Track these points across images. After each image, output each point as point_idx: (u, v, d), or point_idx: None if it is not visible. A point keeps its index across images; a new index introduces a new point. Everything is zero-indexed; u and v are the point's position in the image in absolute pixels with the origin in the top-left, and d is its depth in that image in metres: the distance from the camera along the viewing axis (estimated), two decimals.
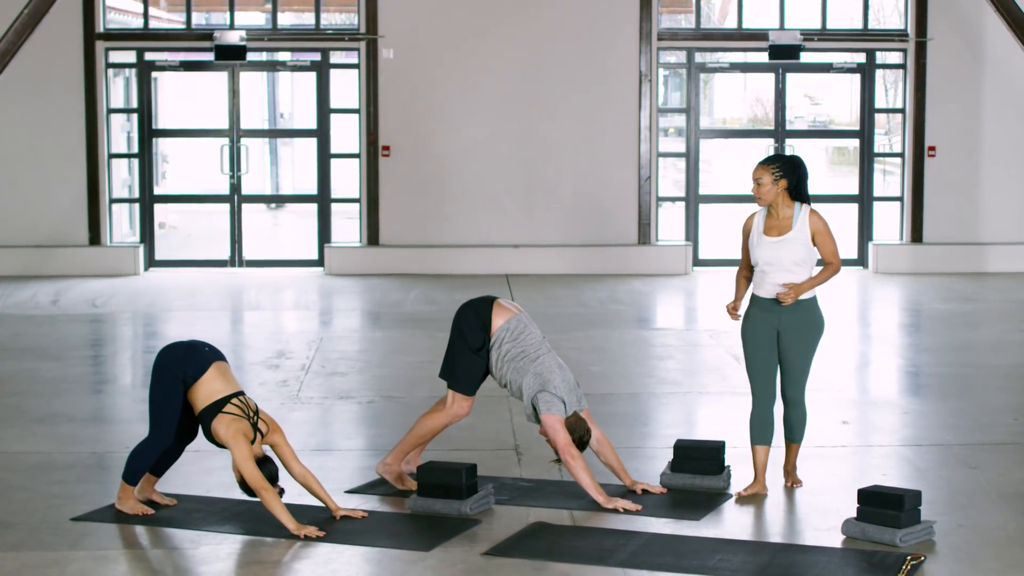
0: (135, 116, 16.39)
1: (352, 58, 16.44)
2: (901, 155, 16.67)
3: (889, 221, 16.82)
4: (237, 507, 6.55)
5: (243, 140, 16.47)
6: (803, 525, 6.32)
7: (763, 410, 6.93)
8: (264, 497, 6.11)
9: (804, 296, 6.88)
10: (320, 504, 6.43)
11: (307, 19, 16.81)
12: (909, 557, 5.75)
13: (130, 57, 16.29)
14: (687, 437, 7.87)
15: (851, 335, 12.25)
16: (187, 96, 21.37)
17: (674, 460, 7.02)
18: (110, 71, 16.22)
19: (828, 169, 25.25)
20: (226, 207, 16.57)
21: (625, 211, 16.26)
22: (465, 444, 7.84)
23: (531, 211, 16.30)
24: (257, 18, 17.45)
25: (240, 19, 16.55)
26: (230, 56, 15.95)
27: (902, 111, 16.64)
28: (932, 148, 16.38)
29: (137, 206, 16.44)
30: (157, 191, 16.79)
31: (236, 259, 16.42)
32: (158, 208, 16.90)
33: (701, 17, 16.52)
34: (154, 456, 6.45)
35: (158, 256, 16.50)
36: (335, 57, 16.52)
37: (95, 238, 16.10)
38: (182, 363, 6.38)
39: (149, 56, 16.30)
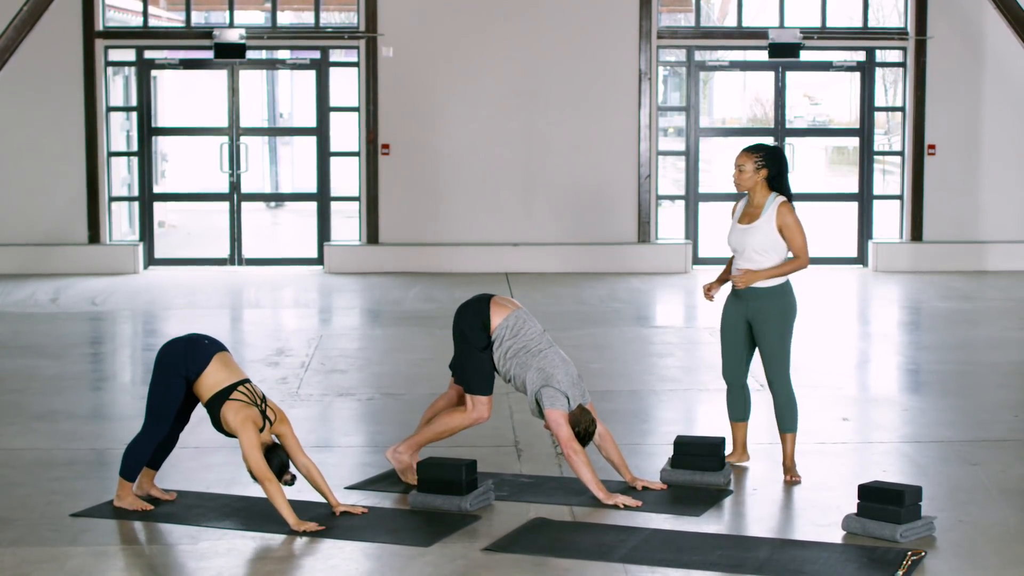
0: (134, 114, 16.37)
1: (352, 56, 16.43)
2: (901, 153, 16.66)
3: (889, 219, 16.82)
4: (236, 503, 6.54)
5: (243, 138, 16.46)
6: (803, 521, 6.31)
7: (731, 391, 7.31)
8: (267, 488, 6.10)
9: (770, 283, 7.11)
10: (320, 500, 6.43)
11: (306, 18, 16.80)
12: (910, 553, 5.74)
13: (130, 55, 16.28)
14: (687, 433, 7.86)
15: (851, 333, 12.25)
16: (187, 94, 21.37)
17: (674, 456, 7.01)
18: (109, 69, 16.21)
19: (828, 169, 25.27)
20: (225, 205, 16.56)
21: (625, 209, 16.26)
22: (465, 440, 7.82)
23: (531, 209, 16.29)
24: (256, 17, 17.44)
25: (239, 18, 16.54)
26: (229, 54, 15.94)
27: (902, 109, 16.63)
28: (932, 146, 16.37)
29: (136, 204, 16.43)
30: (156, 189, 16.78)
31: (235, 257, 16.41)
32: (157, 206, 16.90)
33: (701, 15, 16.52)
34: (150, 449, 6.44)
35: (157, 254, 16.49)
36: (335, 55, 16.51)
37: (94, 236, 16.09)
38: (183, 359, 6.38)
39: (149, 54, 16.29)
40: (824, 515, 6.36)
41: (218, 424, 6.32)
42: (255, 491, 6.63)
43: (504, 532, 6.10)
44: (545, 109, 16.19)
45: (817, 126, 22.51)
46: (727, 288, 7.39)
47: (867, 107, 16.65)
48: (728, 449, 7.41)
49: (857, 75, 16.76)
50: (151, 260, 16.32)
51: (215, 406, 6.29)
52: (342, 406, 8.95)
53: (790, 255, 7.22)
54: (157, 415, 6.41)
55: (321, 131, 16.47)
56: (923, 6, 16.20)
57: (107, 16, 16.18)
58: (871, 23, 16.65)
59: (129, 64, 16.34)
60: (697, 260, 16.49)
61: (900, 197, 16.67)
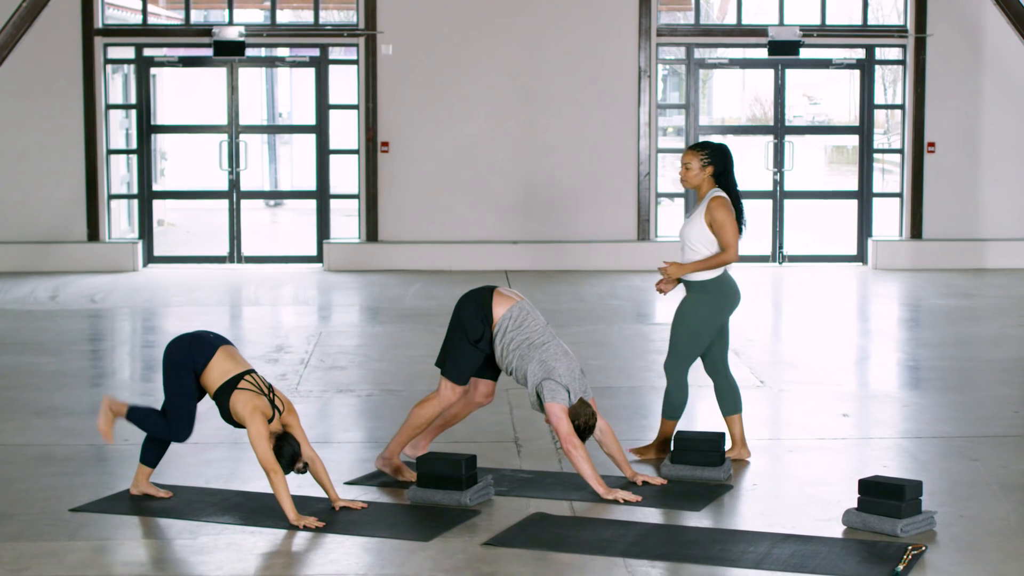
0: (134, 112, 16.36)
1: (351, 54, 16.42)
2: (901, 151, 16.65)
3: (889, 217, 16.81)
4: (236, 498, 6.54)
5: (242, 136, 16.45)
6: (803, 516, 6.29)
7: (715, 387, 7.46)
8: (272, 479, 6.09)
9: (705, 277, 7.25)
10: (320, 495, 6.42)
11: (305, 16, 16.79)
12: (910, 547, 5.73)
13: (129, 53, 16.27)
14: (687, 429, 7.85)
15: (851, 330, 12.25)
16: (186, 92, 21.37)
17: (674, 451, 7.01)
18: (109, 67, 16.20)
19: (827, 168, 25.27)
20: (225, 203, 16.55)
21: (624, 207, 16.25)
22: (465, 436, 7.83)
23: (530, 207, 16.28)
24: (256, 15, 17.44)
25: (239, 16, 16.53)
26: (229, 52, 15.93)
27: (901, 107, 16.62)
28: (932, 144, 16.36)
29: (136, 202, 16.41)
30: (156, 187, 16.77)
31: (235, 255, 16.40)
32: (157, 204, 16.89)
33: (700, 13, 16.50)
34: (166, 437, 6.44)
35: (157, 252, 16.48)
36: (334, 53, 16.50)
37: (94, 234, 16.08)
38: (189, 352, 6.38)
39: (148, 52, 16.28)
40: (824, 510, 6.35)
41: (227, 415, 6.31)
42: (254, 486, 6.64)
43: (504, 527, 6.09)
44: (545, 106, 16.18)
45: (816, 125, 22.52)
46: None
47: (867, 105, 16.64)
48: (727, 444, 7.40)
49: (856, 73, 16.75)
50: (150, 258, 16.31)
51: (223, 396, 6.28)
52: (342, 402, 8.94)
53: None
54: (179, 413, 6.41)
55: (320, 129, 16.46)
56: (923, 4, 16.19)
57: (106, 14, 16.17)
58: (871, 21, 16.63)
59: (128, 62, 16.33)
60: None
61: (900, 195, 16.67)
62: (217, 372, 6.33)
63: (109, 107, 16.19)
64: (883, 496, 6.01)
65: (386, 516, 6.29)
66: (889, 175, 17.59)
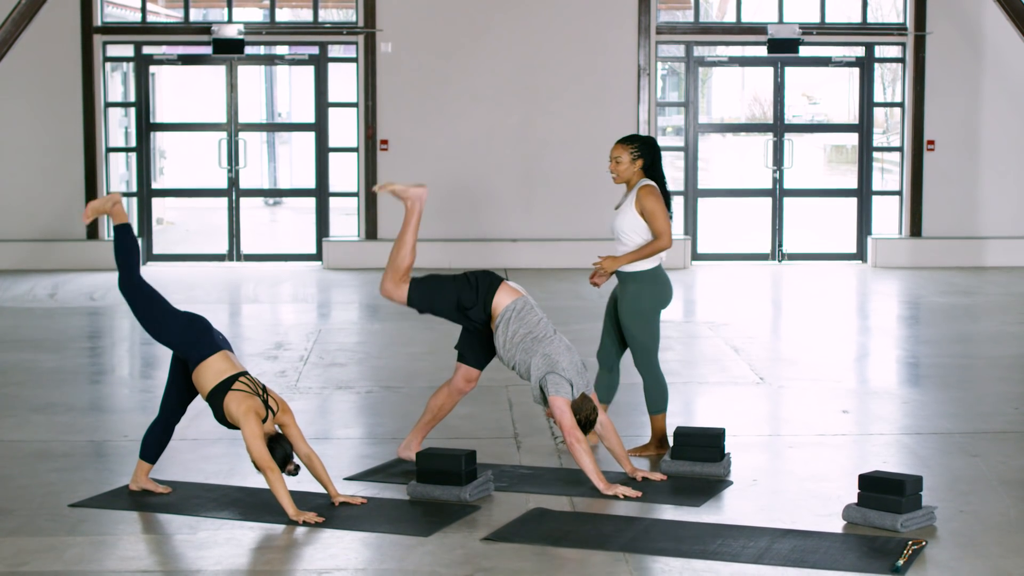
0: (133, 110, 16.36)
1: (350, 52, 16.41)
2: (900, 149, 16.64)
3: (888, 215, 16.80)
4: (235, 493, 6.53)
5: (241, 134, 16.45)
6: (803, 511, 6.28)
7: (600, 373, 7.52)
8: (269, 478, 6.08)
9: (639, 268, 7.32)
10: (319, 491, 6.41)
11: (304, 15, 16.78)
12: (910, 542, 5.72)
13: (128, 51, 16.26)
14: (686, 425, 7.84)
15: (850, 327, 12.24)
16: (185, 90, 21.36)
17: (674, 447, 6.99)
18: (108, 65, 16.20)
19: (826, 167, 25.26)
20: (224, 201, 16.54)
21: None
22: (465, 432, 7.82)
23: (529, 205, 16.28)
24: (255, 14, 17.44)
25: (238, 15, 16.52)
26: (228, 50, 15.92)
27: (901, 105, 16.61)
28: (931, 142, 16.36)
29: (135, 200, 16.40)
30: (155, 185, 16.77)
31: (234, 253, 16.40)
32: (156, 202, 16.88)
33: (700, 11, 16.50)
34: (127, 259, 6.62)
35: (156, 250, 16.47)
36: (333, 51, 16.50)
37: (93, 232, 16.08)
38: (200, 334, 6.42)
39: (147, 50, 16.28)
40: (824, 505, 6.35)
41: (220, 416, 6.31)
42: (254, 482, 6.62)
43: (504, 522, 6.08)
44: (544, 104, 16.17)
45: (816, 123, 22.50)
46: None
47: (866, 103, 16.63)
48: (731, 450, 7.35)
49: (856, 72, 16.75)
50: (149, 256, 16.30)
51: (217, 398, 6.27)
52: (341, 399, 8.94)
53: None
54: (152, 306, 6.53)
55: (320, 127, 16.45)
56: (922, 2, 16.19)
57: (105, 12, 16.16)
58: (870, 19, 16.63)
59: (127, 60, 16.32)
60: (696, 256, 16.47)
61: (899, 193, 16.66)
62: (213, 372, 6.32)
63: (108, 105, 16.18)
64: (883, 491, 6.00)
65: (385, 511, 6.28)
66: (888, 174, 17.59)
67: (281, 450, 6.17)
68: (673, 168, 17.75)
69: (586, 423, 6.59)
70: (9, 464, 7.15)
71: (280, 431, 6.31)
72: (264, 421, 6.21)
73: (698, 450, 6.91)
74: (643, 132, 16.10)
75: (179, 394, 6.57)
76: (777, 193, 16.62)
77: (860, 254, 16.65)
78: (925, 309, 13.09)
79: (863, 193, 16.69)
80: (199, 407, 7.28)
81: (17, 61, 15.09)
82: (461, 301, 6.79)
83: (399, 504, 6.41)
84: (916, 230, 16.47)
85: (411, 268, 6.88)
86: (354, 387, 9.25)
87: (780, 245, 16.62)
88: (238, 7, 16.56)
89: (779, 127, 16.67)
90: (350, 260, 16.03)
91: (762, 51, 16.39)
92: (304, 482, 6.49)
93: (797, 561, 5.55)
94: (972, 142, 16.38)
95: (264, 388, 6.34)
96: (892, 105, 17.23)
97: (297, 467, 6.24)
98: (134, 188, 16.39)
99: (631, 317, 7.28)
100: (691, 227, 16.57)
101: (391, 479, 6.82)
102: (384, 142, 16.12)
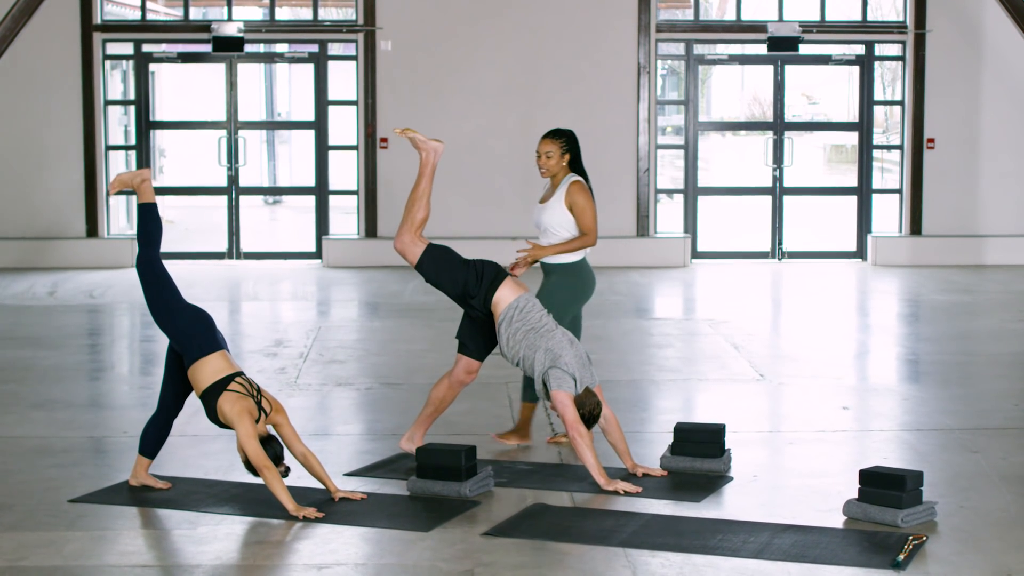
0: (132, 108, 16.35)
1: (350, 50, 16.41)
2: (900, 147, 16.63)
3: (888, 213, 16.80)
4: (235, 489, 6.52)
5: (241, 132, 16.44)
6: (804, 506, 6.27)
7: None
8: (266, 476, 6.08)
9: (563, 260, 7.44)
10: (319, 487, 6.41)
11: (304, 13, 16.77)
12: (911, 537, 5.72)
13: (127, 49, 16.25)
14: (686, 421, 7.84)
15: (850, 325, 12.23)
16: (185, 88, 21.35)
17: (674, 443, 6.99)
18: (107, 63, 16.19)
19: (826, 167, 25.27)
20: (224, 200, 16.53)
21: (624, 203, 16.23)
22: (465, 428, 7.82)
23: (529, 202, 16.21)
24: (254, 12, 17.43)
25: (237, 13, 16.51)
26: (228, 48, 15.91)
27: (901, 103, 16.60)
28: (931, 140, 16.35)
29: (135, 198, 16.34)
30: (155, 183, 16.71)
31: (234, 251, 16.39)
32: (156, 199, 16.83)
33: (700, 9, 16.49)
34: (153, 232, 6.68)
35: None
36: (333, 49, 16.49)
37: (92, 230, 16.07)
38: (203, 331, 6.40)
39: (147, 48, 16.27)
40: (825, 501, 6.34)
41: (213, 416, 6.30)
42: (253, 478, 6.60)
43: (504, 517, 6.07)
44: (544, 102, 16.16)
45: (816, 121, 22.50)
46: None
47: (866, 101, 16.62)
48: (731, 446, 7.36)
49: (855, 71, 16.74)
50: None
51: (211, 397, 6.27)
52: (341, 395, 8.93)
53: None
54: (161, 285, 6.63)
55: (319, 125, 16.44)
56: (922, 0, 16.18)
57: (105, 9, 16.15)
58: (870, 17, 16.62)
59: (127, 57, 16.31)
60: (696, 254, 16.47)
61: (899, 191, 16.65)
62: (210, 370, 6.31)
63: (108, 103, 16.17)
64: (884, 486, 5.99)
65: (385, 507, 6.27)
66: (888, 174, 17.58)
67: (271, 451, 6.17)
68: (672, 168, 17.76)
69: (590, 417, 6.59)
70: (9, 460, 7.14)
71: (273, 432, 6.31)
72: (257, 422, 6.21)
73: (698, 446, 6.90)
74: (643, 130, 16.11)
75: (175, 389, 6.57)
76: (777, 191, 16.61)
77: (860, 252, 16.63)
78: (925, 307, 13.08)
79: (863, 191, 16.68)
80: (198, 403, 7.26)
81: (17, 59, 15.10)
82: (467, 289, 6.81)
83: (399, 500, 6.40)
84: (916, 228, 16.46)
85: (426, 221, 6.97)
86: (354, 384, 9.24)
87: (780, 243, 16.61)
88: (238, 5, 16.55)
89: (779, 125, 16.65)
90: (350, 258, 16.02)
91: (762, 49, 16.38)
92: (304, 478, 6.49)
93: (798, 556, 5.55)
94: (972, 140, 16.37)
95: (258, 389, 6.33)
96: (892, 103, 17.22)
97: (288, 468, 6.23)
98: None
99: (548, 308, 7.26)
100: (691, 225, 16.56)
101: (391, 475, 6.81)
102: (384, 140, 16.10)
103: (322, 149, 16.44)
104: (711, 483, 6.68)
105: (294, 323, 12.12)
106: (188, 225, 20.28)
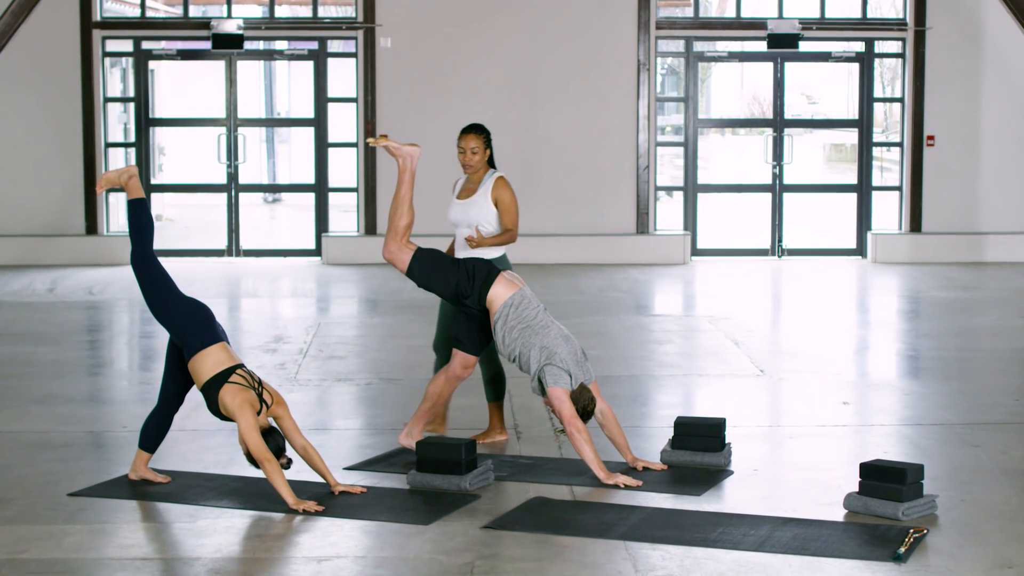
0: (132, 105, 16.34)
1: (349, 47, 16.39)
2: (900, 144, 16.62)
3: (888, 211, 16.79)
4: (234, 483, 6.51)
5: (240, 129, 16.42)
6: (804, 500, 6.27)
7: (437, 360, 7.49)
8: (266, 469, 6.07)
9: (483, 254, 7.37)
10: (319, 480, 6.40)
11: (303, 11, 16.76)
12: (912, 530, 5.71)
13: (127, 46, 16.23)
14: (686, 415, 7.82)
15: (850, 321, 12.23)
16: (184, 85, 21.34)
17: (675, 437, 6.98)
18: (107, 60, 16.17)
19: (825, 166, 25.24)
20: (223, 198, 16.52)
21: (623, 200, 16.22)
22: (465, 424, 7.81)
23: (529, 200, 16.22)
24: (254, 9, 17.42)
25: (237, 10, 16.50)
26: (227, 45, 15.90)
27: (901, 101, 16.59)
28: (931, 137, 16.34)
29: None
30: (154, 181, 16.74)
31: (233, 249, 16.38)
32: (155, 197, 16.87)
33: (699, 6, 16.48)
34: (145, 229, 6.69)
35: (155, 246, 16.37)
36: (332, 46, 16.48)
37: (92, 227, 16.05)
38: (202, 324, 6.39)
39: (146, 45, 16.25)
40: (825, 494, 6.33)
41: (214, 408, 6.29)
42: (253, 471, 6.60)
43: (504, 511, 6.07)
44: (543, 100, 16.15)
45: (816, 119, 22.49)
46: None
47: (866, 98, 16.61)
48: (731, 441, 7.36)
49: (855, 69, 16.73)
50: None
51: (212, 389, 6.26)
52: (340, 391, 8.92)
53: None
54: (158, 279, 6.61)
55: (319, 122, 16.43)
56: None
57: (104, 7, 16.14)
58: (870, 14, 16.61)
59: (126, 55, 16.30)
60: (696, 252, 16.45)
61: (899, 188, 16.65)
62: (211, 362, 6.31)
63: (107, 100, 16.16)
64: (884, 480, 5.98)
65: (385, 500, 6.27)
66: (888, 173, 17.57)
67: (273, 444, 6.16)
68: (672, 166, 17.75)
69: (583, 413, 6.58)
70: (8, 454, 7.14)
71: (274, 424, 6.30)
72: (258, 414, 6.20)
73: (699, 440, 6.89)
74: (643, 127, 16.10)
75: (176, 383, 6.56)
76: (777, 189, 16.60)
77: (860, 250, 16.62)
78: (925, 303, 13.07)
79: (863, 189, 16.67)
80: (198, 398, 7.24)
81: (16, 56, 15.07)
82: (459, 289, 6.80)
83: (399, 493, 6.40)
84: (916, 226, 16.45)
85: (410, 227, 6.93)
86: (353, 379, 9.24)
87: (780, 241, 16.60)
88: (237, 3, 16.55)
89: (779, 122, 16.64)
90: (349, 256, 16.00)
91: (762, 46, 16.37)
92: (304, 471, 6.47)
93: (798, 549, 5.54)
94: (972, 137, 16.37)
95: (260, 381, 6.32)
96: (892, 100, 17.21)
97: (290, 460, 6.23)
98: None
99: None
100: (691, 223, 16.55)
101: (391, 469, 6.81)
102: (384, 137, 16.06)
103: (322, 146, 16.43)
104: (711, 477, 6.67)
105: (294, 319, 12.11)
106: (187, 222, 20.27)
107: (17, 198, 15.92)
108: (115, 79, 16.58)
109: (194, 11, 16.53)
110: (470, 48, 16.07)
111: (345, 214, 17.22)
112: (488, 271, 6.85)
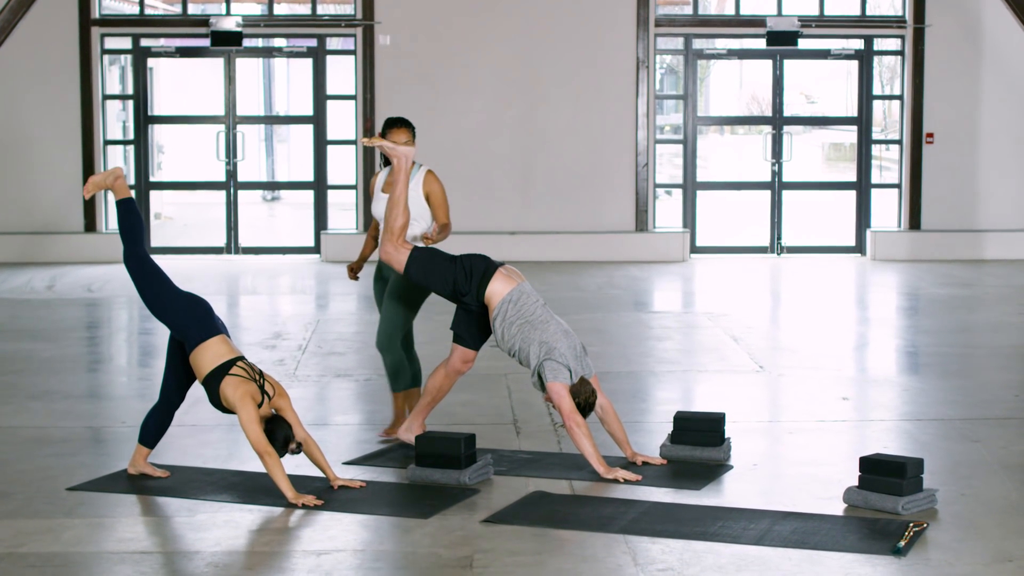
0: (131, 103, 16.33)
1: (348, 45, 16.38)
2: (899, 142, 16.62)
3: (887, 208, 16.78)
4: (234, 477, 6.50)
5: (239, 127, 16.41)
6: (804, 494, 6.26)
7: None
8: (267, 462, 6.06)
9: None
10: (318, 475, 6.39)
11: (302, 8, 16.74)
12: (912, 524, 5.70)
13: (126, 43, 16.23)
14: (686, 410, 7.81)
15: (850, 318, 12.23)
16: (183, 83, 21.32)
17: (674, 432, 6.97)
18: (106, 57, 16.17)
19: (825, 166, 25.23)
20: (222, 196, 16.51)
21: (622, 198, 16.21)
22: (464, 419, 7.80)
23: (528, 198, 16.25)
24: (253, 6, 17.40)
25: (236, 7, 16.49)
26: (226, 42, 15.90)
27: (900, 98, 16.59)
28: (930, 135, 16.34)
29: (132, 193, 16.32)
30: (153, 178, 16.73)
31: (232, 246, 16.37)
32: (154, 195, 16.85)
33: (699, 4, 16.47)
34: (132, 227, 6.61)
35: (154, 243, 16.43)
36: (331, 43, 16.48)
37: (90, 225, 16.05)
38: (200, 316, 6.39)
39: (145, 42, 16.24)
40: (825, 488, 6.32)
41: (216, 400, 6.28)
42: (252, 466, 6.60)
43: (503, 505, 6.06)
44: (543, 97, 16.15)
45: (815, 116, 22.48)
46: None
47: (865, 96, 16.61)
48: (731, 435, 7.35)
49: (854, 67, 16.73)
50: (148, 249, 16.24)
51: (213, 382, 6.25)
52: (339, 386, 8.91)
53: None
54: (157, 281, 6.54)
55: (318, 119, 16.42)
56: None
57: (103, 4, 16.13)
58: (869, 11, 16.61)
59: (125, 52, 16.29)
60: (695, 249, 16.45)
61: (898, 186, 16.65)
62: (211, 354, 6.30)
63: (106, 98, 16.15)
64: (884, 474, 5.97)
65: (385, 494, 6.26)
66: (887, 170, 17.56)
67: (281, 431, 6.15)
68: (671, 165, 17.75)
69: (585, 406, 6.57)
70: (7, 449, 7.13)
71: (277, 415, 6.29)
72: (260, 406, 6.19)
73: (698, 435, 6.89)
74: (642, 125, 16.10)
75: (178, 378, 6.55)
76: (776, 186, 16.59)
77: (859, 247, 16.62)
78: (924, 300, 13.06)
79: (862, 186, 16.67)
80: (198, 393, 7.24)
81: (15, 53, 15.07)
82: (457, 286, 6.78)
83: (398, 487, 6.39)
84: (915, 223, 16.45)
85: (406, 227, 6.92)
86: (352, 375, 9.23)
87: (779, 238, 16.60)
88: (236, 0, 16.53)
89: (778, 120, 16.64)
90: (348, 253, 15.95)
91: (761, 44, 16.37)
92: (303, 466, 6.47)
93: (798, 543, 5.53)
94: (971, 135, 16.36)
95: (261, 373, 6.31)
96: (891, 98, 17.21)
97: (299, 445, 6.22)
98: (132, 181, 16.35)
99: (402, 291, 7.26)
100: (690, 220, 16.55)
101: (390, 463, 6.80)
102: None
103: (320, 144, 16.42)
104: (711, 471, 6.66)
105: (293, 316, 12.11)
106: (186, 220, 20.26)
107: (16, 195, 15.91)
108: (114, 76, 16.57)
109: (193, 8, 16.52)
110: (469, 45, 16.07)
111: (344, 211, 17.20)
112: (486, 267, 6.83)
